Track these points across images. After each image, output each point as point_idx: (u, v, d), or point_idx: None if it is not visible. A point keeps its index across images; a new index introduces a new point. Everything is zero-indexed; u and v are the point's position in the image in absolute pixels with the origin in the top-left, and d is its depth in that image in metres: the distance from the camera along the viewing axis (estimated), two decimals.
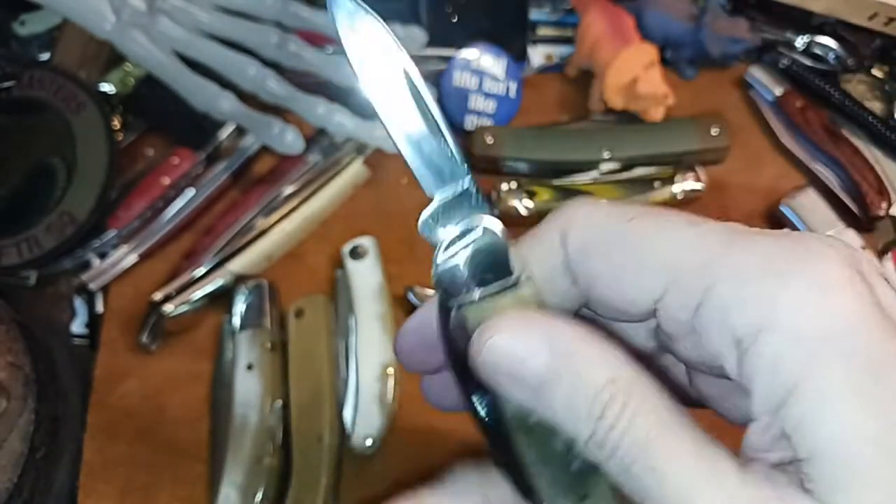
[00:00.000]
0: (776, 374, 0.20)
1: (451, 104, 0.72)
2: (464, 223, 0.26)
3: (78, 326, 0.66)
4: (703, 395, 0.27)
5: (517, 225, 0.68)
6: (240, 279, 0.63)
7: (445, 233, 0.26)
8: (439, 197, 0.26)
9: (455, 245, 0.25)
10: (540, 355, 0.23)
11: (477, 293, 0.25)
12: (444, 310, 0.25)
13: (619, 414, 0.21)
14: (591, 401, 0.22)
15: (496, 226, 0.26)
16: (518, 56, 0.74)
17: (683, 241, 0.23)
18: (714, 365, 0.23)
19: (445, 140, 0.25)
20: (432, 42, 0.69)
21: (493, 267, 0.25)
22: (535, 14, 0.77)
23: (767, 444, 0.21)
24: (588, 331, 0.23)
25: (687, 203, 0.67)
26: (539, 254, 0.26)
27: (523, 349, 0.23)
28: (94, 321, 0.66)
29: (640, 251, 0.23)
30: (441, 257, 0.25)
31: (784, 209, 0.65)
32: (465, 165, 0.26)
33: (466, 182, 0.26)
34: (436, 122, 0.25)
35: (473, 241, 0.25)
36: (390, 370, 0.58)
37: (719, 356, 0.22)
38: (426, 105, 0.25)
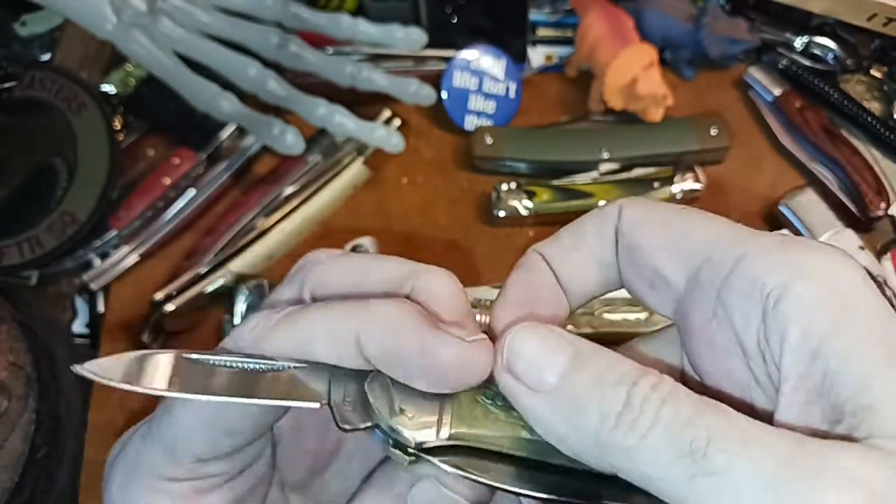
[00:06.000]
0: (810, 320, 0.21)
1: (451, 104, 0.72)
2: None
3: (79, 326, 0.67)
4: None
5: (517, 225, 0.68)
6: (240, 279, 0.64)
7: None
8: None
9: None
10: (566, 350, 0.22)
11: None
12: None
13: (655, 384, 0.21)
14: (619, 377, 0.21)
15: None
16: (518, 57, 0.75)
17: (723, 228, 0.25)
18: (729, 345, 0.23)
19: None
20: (432, 42, 0.69)
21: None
22: (534, 15, 0.77)
23: (797, 411, 0.21)
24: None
25: (686, 203, 0.67)
26: (591, 224, 0.27)
27: (547, 349, 0.23)
28: (95, 321, 0.66)
29: (685, 230, 0.25)
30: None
31: (783, 209, 0.65)
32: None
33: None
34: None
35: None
36: None
37: (743, 323, 0.22)
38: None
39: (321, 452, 0.30)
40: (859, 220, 0.66)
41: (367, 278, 0.26)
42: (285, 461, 0.30)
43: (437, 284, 0.26)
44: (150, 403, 0.28)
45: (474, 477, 0.24)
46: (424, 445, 0.23)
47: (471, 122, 0.73)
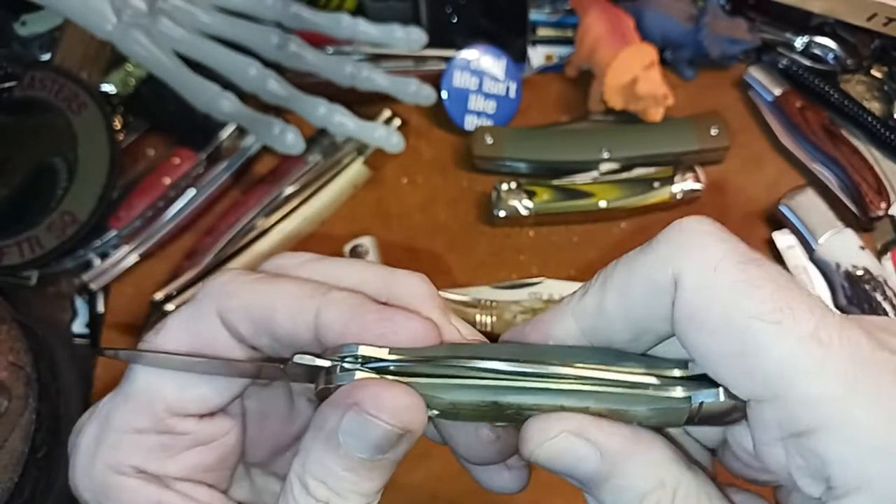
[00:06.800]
0: None
1: (452, 104, 0.72)
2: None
3: (79, 326, 0.67)
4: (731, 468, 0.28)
5: (517, 225, 0.68)
6: None
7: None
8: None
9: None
10: (590, 460, 0.24)
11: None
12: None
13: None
14: (640, 496, 0.23)
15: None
16: (518, 57, 0.75)
17: (802, 359, 0.21)
18: (774, 465, 0.23)
19: None
20: (432, 42, 0.69)
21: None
22: (534, 15, 0.77)
23: None
24: (636, 431, 0.24)
25: (686, 203, 0.67)
26: (642, 294, 0.24)
27: (574, 455, 0.24)
28: (95, 321, 0.66)
29: (753, 351, 0.22)
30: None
31: (783, 209, 0.65)
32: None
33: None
34: None
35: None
36: None
37: (791, 470, 0.22)
38: None
39: (284, 435, 0.31)
40: (859, 220, 0.66)
41: (342, 283, 0.27)
42: (250, 442, 0.31)
43: (414, 287, 0.27)
44: None
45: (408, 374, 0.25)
46: (370, 357, 0.25)
47: (471, 122, 0.73)
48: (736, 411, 0.24)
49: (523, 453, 0.25)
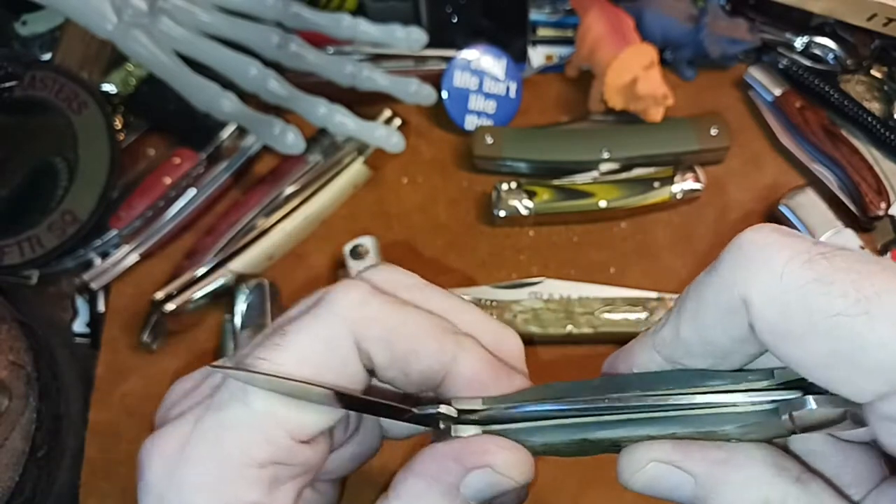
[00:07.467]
0: None
1: (452, 104, 0.72)
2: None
3: (79, 325, 0.67)
4: None
5: (517, 225, 0.68)
6: (241, 278, 0.64)
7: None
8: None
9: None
10: (684, 486, 0.24)
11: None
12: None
13: None
14: None
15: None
16: (518, 57, 0.75)
17: None
18: None
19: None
20: (432, 42, 0.70)
21: None
22: (535, 15, 0.77)
23: None
24: (730, 450, 0.23)
25: (686, 203, 0.68)
26: (715, 320, 0.23)
27: (667, 482, 0.24)
28: (95, 320, 0.66)
29: (852, 350, 0.20)
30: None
31: (783, 209, 0.65)
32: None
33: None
34: None
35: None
36: None
37: None
38: None
39: (342, 449, 0.31)
40: (859, 220, 0.66)
41: (459, 323, 0.28)
42: None
43: (514, 345, 0.29)
44: (147, 404, 0.28)
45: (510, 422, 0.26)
46: (466, 409, 0.26)
47: (471, 122, 0.73)
48: (840, 416, 0.22)
49: (620, 482, 0.25)
